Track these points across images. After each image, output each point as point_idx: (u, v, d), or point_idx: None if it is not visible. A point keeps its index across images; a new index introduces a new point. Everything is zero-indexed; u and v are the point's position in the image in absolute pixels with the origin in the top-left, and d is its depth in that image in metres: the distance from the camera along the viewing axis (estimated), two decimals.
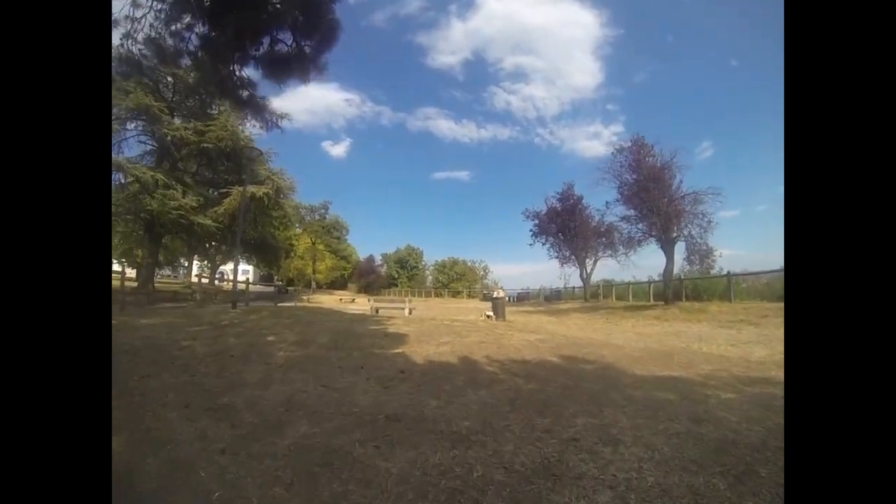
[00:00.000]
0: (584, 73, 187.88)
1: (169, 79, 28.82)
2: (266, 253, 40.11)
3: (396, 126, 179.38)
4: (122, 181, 27.64)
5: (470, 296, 55.79)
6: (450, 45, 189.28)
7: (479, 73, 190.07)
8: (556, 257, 34.39)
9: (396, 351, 7.64)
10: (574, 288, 37.21)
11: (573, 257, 33.16)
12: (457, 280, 73.96)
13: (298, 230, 66.56)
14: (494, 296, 17.64)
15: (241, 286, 26.24)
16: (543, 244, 34.64)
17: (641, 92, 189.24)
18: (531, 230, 34.69)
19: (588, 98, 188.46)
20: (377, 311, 17.46)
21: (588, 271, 32.59)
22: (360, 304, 27.18)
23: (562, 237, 33.53)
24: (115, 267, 30.83)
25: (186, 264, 49.69)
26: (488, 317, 15.54)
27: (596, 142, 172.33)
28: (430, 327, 10.94)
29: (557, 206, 33.32)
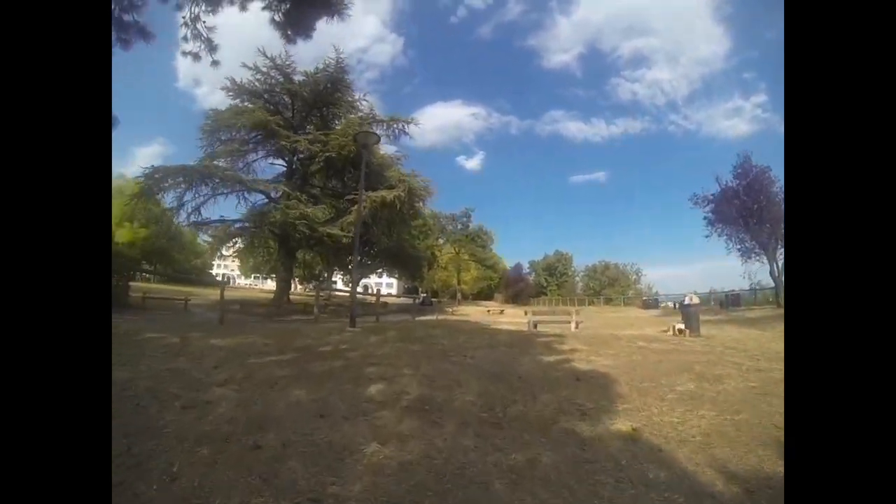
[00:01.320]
0: (709, 42, 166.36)
1: (286, 98, 28.66)
2: (406, 263, 38.02)
3: (525, 133, 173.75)
4: (246, 196, 27.99)
5: (625, 303, 48.73)
6: (560, 43, 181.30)
7: (597, 65, 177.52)
8: (738, 250, 26.29)
9: (617, 427, 3.53)
10: (756, 290, 29.38)
11: (759, 249, 25.03)
12: (609, 286, 66.10)
13: (440, 240, 65.23)
14: (686, 302, 13.81)
15: (371, 298, 24.08)
16: (720, 235, 27.19)
17: (779, 49, 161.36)
18: (706, 217, 27.40)
19: (719, 70, 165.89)
20: (535, 326, 13.70)
21: (779, 267, 24.58)
22: (511, 316, 23.93)
23: (742, 223, 25.28)
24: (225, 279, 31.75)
25: (326, 276, 50.20)
26: (679, 331, 12.20)
27: (737, 119, 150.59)
28: (632, 355, 6.72)
29: (734, 184, 25.45)
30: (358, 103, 30.11)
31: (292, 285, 38.08)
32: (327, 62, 27.58)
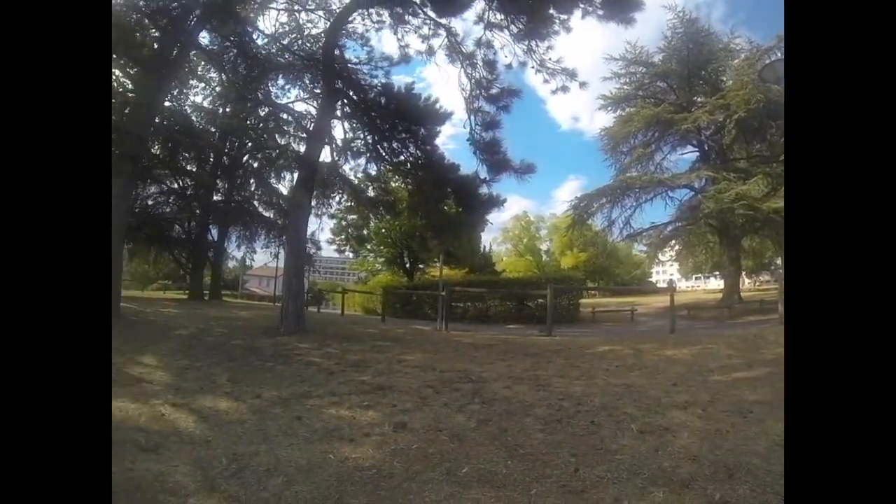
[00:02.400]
0: None
1: (659, 83, 27.03)
2: None
3: None
4: (671, 195, 26.57)
5: None
6: None
7: None
8: None
9: None
10: None
11: None
12: None
13: None
14: None
15: None
16: None
17: None
18: None
19: None
20: None
21: None
22: None
23: None
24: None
25: (777, 263, 42.52)
26: None
27: None
28: None
29: None
30: (732, 45, 25.21)
31: (741, 280, 33.45)
32: (671, 24, 24.69)
